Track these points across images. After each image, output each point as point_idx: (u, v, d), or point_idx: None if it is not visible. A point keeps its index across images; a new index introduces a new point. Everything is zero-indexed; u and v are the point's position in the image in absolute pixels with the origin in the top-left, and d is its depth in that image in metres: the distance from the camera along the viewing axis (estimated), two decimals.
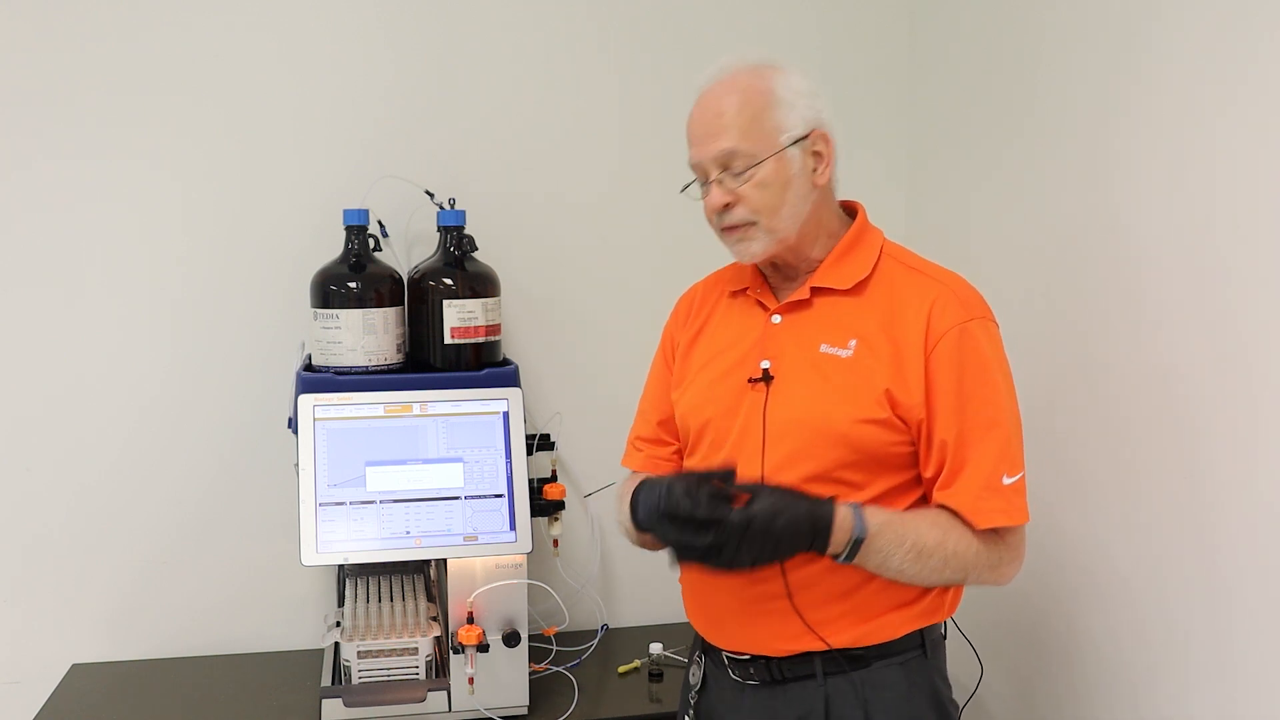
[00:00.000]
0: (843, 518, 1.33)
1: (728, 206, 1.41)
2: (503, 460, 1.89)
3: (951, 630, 1.56)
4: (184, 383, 2.14)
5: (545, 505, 2.05)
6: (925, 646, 1.45)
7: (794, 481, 1.38)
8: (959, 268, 1.41)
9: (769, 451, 1.42)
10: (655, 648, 2.10)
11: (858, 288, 1.44)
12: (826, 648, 1.41)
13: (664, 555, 1.38)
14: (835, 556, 1.34)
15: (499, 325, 2.02)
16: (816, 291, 1.45)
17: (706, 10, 2.25)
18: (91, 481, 2.12)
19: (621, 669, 2.08)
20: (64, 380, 2.09)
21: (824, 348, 1.42)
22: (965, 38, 2.12)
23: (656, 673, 2.06)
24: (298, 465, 1.84)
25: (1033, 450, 1.87)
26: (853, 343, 1.41)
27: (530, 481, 1.96)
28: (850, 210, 1.53)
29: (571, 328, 2.28)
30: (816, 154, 1.43)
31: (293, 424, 1.89)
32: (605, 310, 2.28)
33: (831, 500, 1.34)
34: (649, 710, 1.95)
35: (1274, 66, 1.37)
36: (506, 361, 2.03)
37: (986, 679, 1.78)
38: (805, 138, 1.41)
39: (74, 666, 2.11)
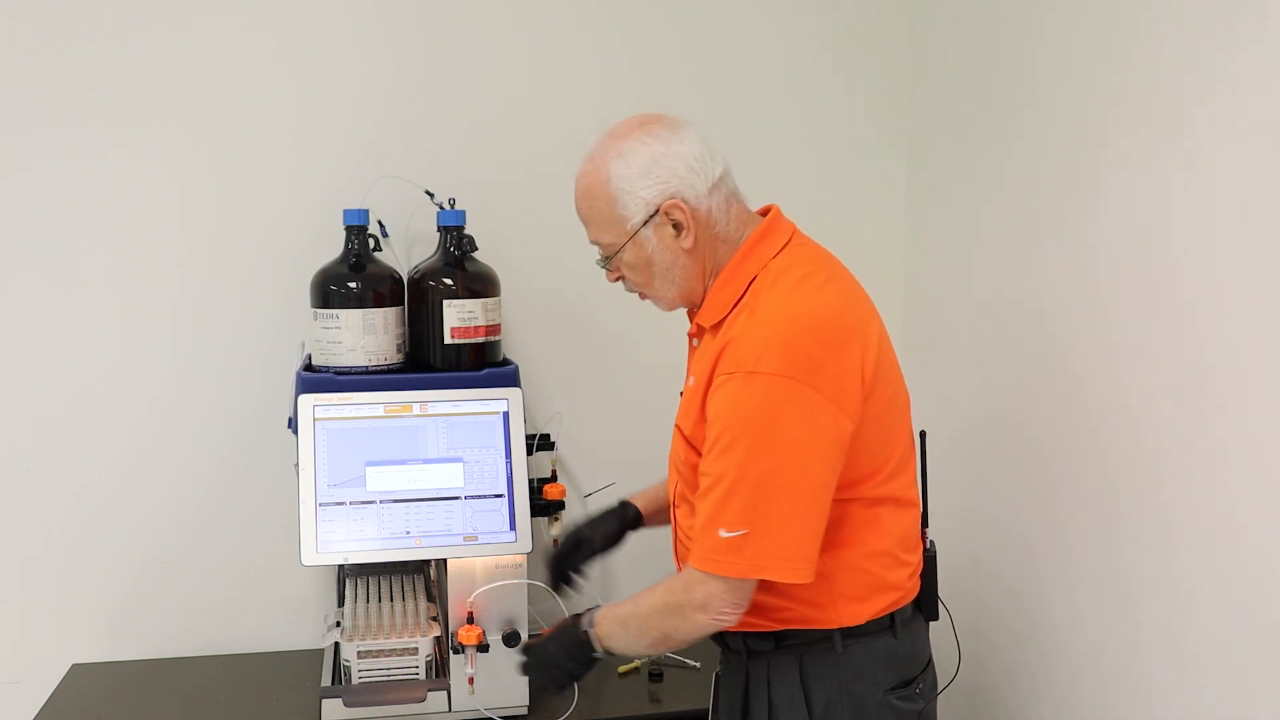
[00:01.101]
0: (584, 623, 1.55)
1: (620, 279, 1.56)
2: (503, 460, 1.89)
3: (941, 616, 1.65)
4: (184, 383, 2.14)
5: (545, 505, 2.05)
6: (835, 643, 1.50)
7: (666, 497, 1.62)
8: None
9: (671, 471, 1.61)
10: None
11: (715, 327, 1.50)
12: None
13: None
14: (602, 654, 1.54)
15: (499, 325, 2.02)
16: (698, 326, 1.55)
17: (708, 10, 2.25)
18: (91, 481, 2.12)
19: (622, 669, 2.08)
20: (64, 380, 2.09)
21: (691, 378, 1.53)
22: (965, 38, 2.12)
23: (656, 673, 2.06)
24: (298, 465, 1.84)
25: (1010, 455, 1.97)
26: (691, 380, 1.51)
27: (530, 481, 1.96)
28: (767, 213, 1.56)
29: (571, 328, 2.27)
30: (675, 224, 1.47)
31: (293, 424, 1.89)
32: (605, 310, 2.28)
33: (580, 613, 1.57)
34: (649, 710, 1.95)
35: (1264, 69, 1.38)
36: (506, 361, 2.03)
37: (966, 663, 1.86)
38: (654, 215, 1.46)
39: (74, 666, 2.11)
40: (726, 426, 1.39)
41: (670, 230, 1.47)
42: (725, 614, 1.43)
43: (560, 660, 1.57)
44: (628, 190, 1.46)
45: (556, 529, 2.10)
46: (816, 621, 1.50)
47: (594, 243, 1.55)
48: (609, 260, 1.54)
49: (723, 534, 1.39)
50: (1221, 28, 1.46)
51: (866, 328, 1.45)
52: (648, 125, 1.48)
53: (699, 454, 1.45)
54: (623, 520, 1.79)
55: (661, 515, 1.77)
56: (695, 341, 1.59)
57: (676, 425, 1.54)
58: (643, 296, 1.59)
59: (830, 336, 1.40)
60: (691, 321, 1.58)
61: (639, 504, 1.80)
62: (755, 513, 1.38)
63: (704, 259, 1.50)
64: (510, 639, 1.84)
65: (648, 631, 1.49)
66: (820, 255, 1.53)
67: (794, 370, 1.36)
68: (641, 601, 1.51)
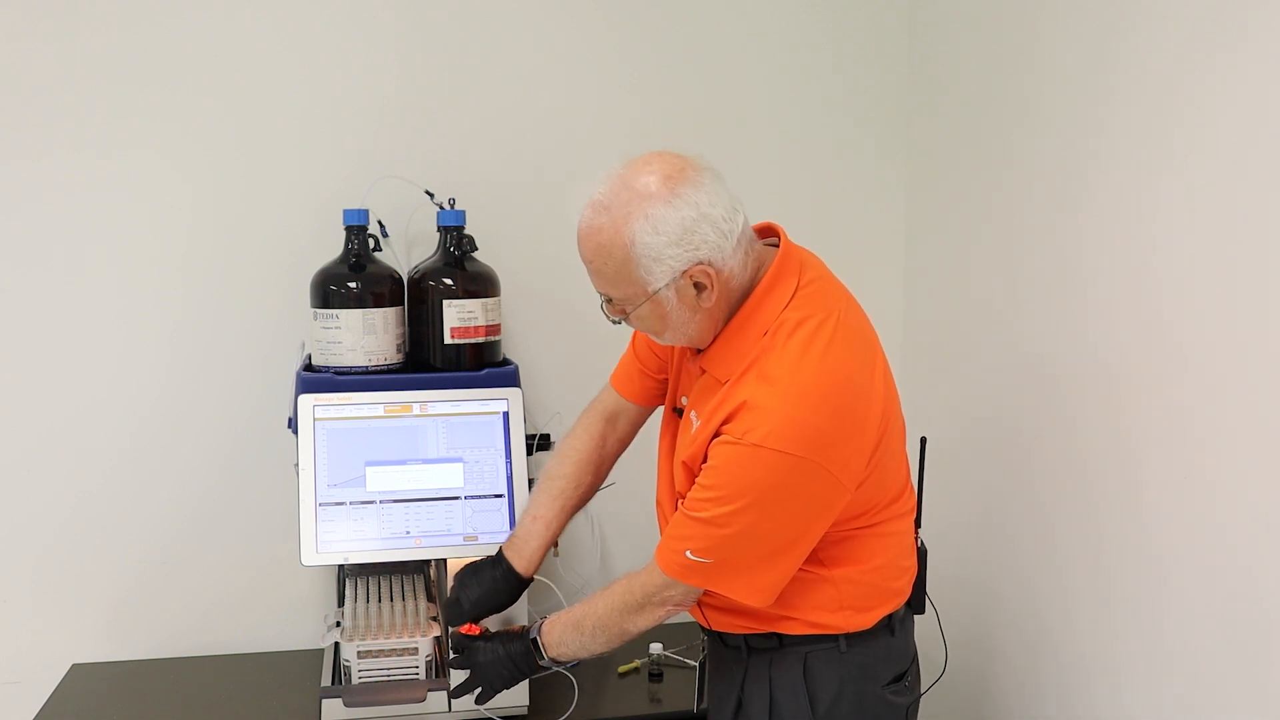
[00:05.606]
0: (532, 632, 1.61)
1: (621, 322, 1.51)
2: (503, 460, 1.89)
3: (928, 614, 1.70)
4: (185, 383, 2.14)
5: None
6: (839, 644, 1.53)
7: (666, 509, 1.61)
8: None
9: (664, 475, 1.62)
10: (655, 648, 2.10)
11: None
12: (744, 631, 1.57)
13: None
14: (547, 663, 1.61)
15: (499, 325, 2.02)
16: (701, 369, 1.53)
17: (710, 12, 2.25)
18: (92, 482, 2.12)
19: (621, 669, 2.08)
20: (64, 380, 2.09)
21: (692, 412, 1.52)
22: (965, 38, 2.12)
23: (656, 673, 2.06)
24: (298, 465, 1.84)
25: (1001, 457, 2.00)
26: (696, 420, 1.50)
27: (530, 481, 1.95)
28: (773, 236, 1.52)
29: (571, 328, 2.27)
30: (698, 284, 1.41)
31: (293, 424, 1.89)
32: None
33: (528, 626, 1.64)
34: (649, 710, 1.95)
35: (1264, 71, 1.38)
36: (506, 361, 2.03)
37: (953, 660, 1.89)
38: (678, 278, 1.40)
39: (74, 666, 2.11)
40: (723, 483, 1.40)
41: (692, 290, 1.41)
42: (683, 607, 1.53)
43: (501, 665, 1.63)
44: (654, 257, 1.38)
45: None
46: (823, 628, 1.52)
47: (600, 292, 1.48)
48: (617, 310, 1.49)
49: (689, 555, 1.43)
50: (1206, 19, 1.46)
51: (872, 380, 1.44)
52: (674, 183, 1.38)
53: None
54: (515, 587, 1.75)
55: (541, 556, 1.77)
56: (687, 359, 1.58)
57: (681, 461, 1.51)
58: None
59: (842, 410, 1.39)
60: (691, 355, 1.56)
61: (524, 565, 1.74)
62: (725, 553, 1.43)
63: (720, 311, 1.46)
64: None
65: (606, 629, 1.54)
66: (828, 295, 1.48)
67: (803, 449, 1.36)
68: (597, 602, 1.56)
